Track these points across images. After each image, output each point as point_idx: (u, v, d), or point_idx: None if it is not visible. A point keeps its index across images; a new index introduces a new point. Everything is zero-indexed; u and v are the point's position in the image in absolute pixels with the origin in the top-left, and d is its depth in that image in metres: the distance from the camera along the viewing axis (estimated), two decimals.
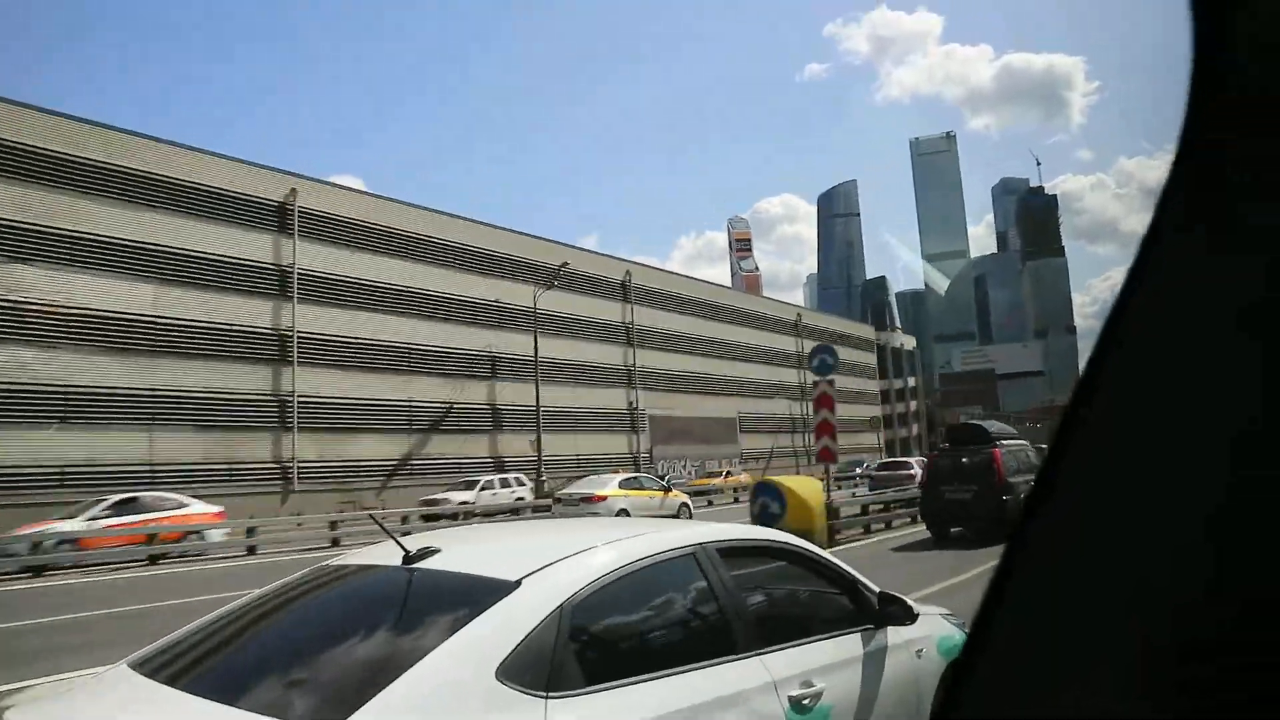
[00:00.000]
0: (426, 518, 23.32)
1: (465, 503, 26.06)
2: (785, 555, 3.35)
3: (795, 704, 2.65)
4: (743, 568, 3.03)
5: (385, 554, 2.77)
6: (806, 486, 14.42)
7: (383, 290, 32.94)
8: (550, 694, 2.11)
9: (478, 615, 2.20)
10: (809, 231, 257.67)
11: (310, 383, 30.04)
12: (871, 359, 74.77)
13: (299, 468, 29.39)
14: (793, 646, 2.86)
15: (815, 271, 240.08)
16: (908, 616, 3.39)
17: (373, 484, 31.22)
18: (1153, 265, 0.65)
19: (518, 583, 2.33)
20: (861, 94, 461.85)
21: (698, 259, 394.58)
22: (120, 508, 17.57)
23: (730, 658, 2.61)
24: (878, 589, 3.43)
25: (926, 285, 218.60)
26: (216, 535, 18.31)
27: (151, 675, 2.30)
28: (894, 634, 3.33)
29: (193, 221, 27.34)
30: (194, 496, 25.18)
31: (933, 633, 3.62)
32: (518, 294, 37.02)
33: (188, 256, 27.12)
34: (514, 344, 36.68)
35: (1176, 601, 0.60)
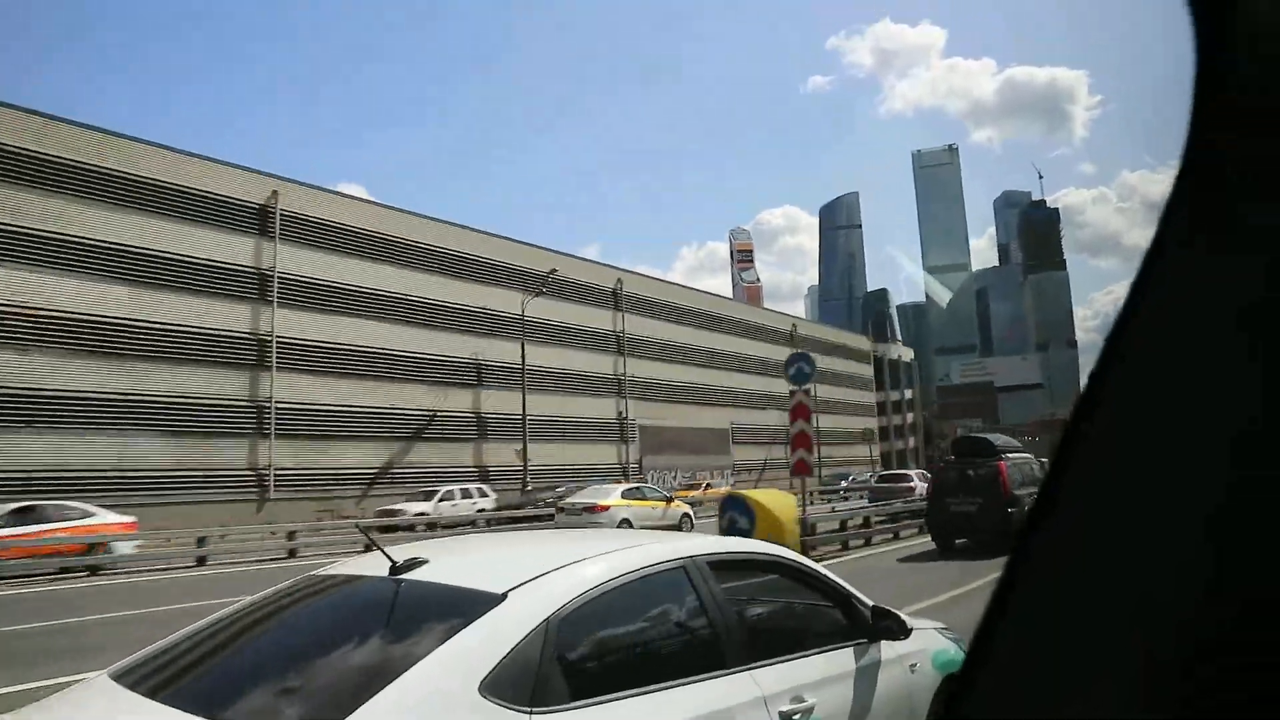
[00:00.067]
0: (383, 529, 22.16)
1: (422, 514, 25.11)
2: (777, 568, 3.31)
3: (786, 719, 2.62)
4: (734, 581, 2.98)
5: (372, 564, 2.70)
6: (778, 500, 13.81)
7: (366, 295, 32.45)
8: (535, 709, 2.07)
9: (462, 629, 2.15)
10: (811, 243, 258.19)
11: (289, 388, 29.52)
12: (868, 370, 74.14)
13: (276, 475, 28.83)
14: (784, 661, 2.81)
15: (817, 283, 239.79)
16: (901, 631, 3.34)
17: (353, 493, 30.63)
18: (1156, 279, 0.66)
19: (504, 595, 2.28)
20: (865, 106, 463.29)
21: (700, 270, 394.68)
22: (16, 517, 15.94)
23: (720, 673, 2.56)
24: (871, 603, 3.38)
25: (928, 297, 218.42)
26: (126, 547, 16.71)
27: (133, 687, 2.25)
28: (887, 648, 3.27)
29: (170, 223, 26.89)
30: (164, 504, 24.84)
31: (927, 647, 3.57)
32: (505, 300, 36.53)
33: (164, 259, 26.64)
34: (501, 351, 36.16)
35: (1179, 614, 0.61)
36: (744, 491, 14.47)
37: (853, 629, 3.25)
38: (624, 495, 21.77)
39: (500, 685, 2.04)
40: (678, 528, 19.87)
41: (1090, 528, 0.67)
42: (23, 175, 23.74)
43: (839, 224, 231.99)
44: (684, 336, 49.17)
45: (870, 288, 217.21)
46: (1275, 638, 0.56)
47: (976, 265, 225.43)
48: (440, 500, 26.50)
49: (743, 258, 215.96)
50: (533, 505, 28.24)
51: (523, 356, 33.96)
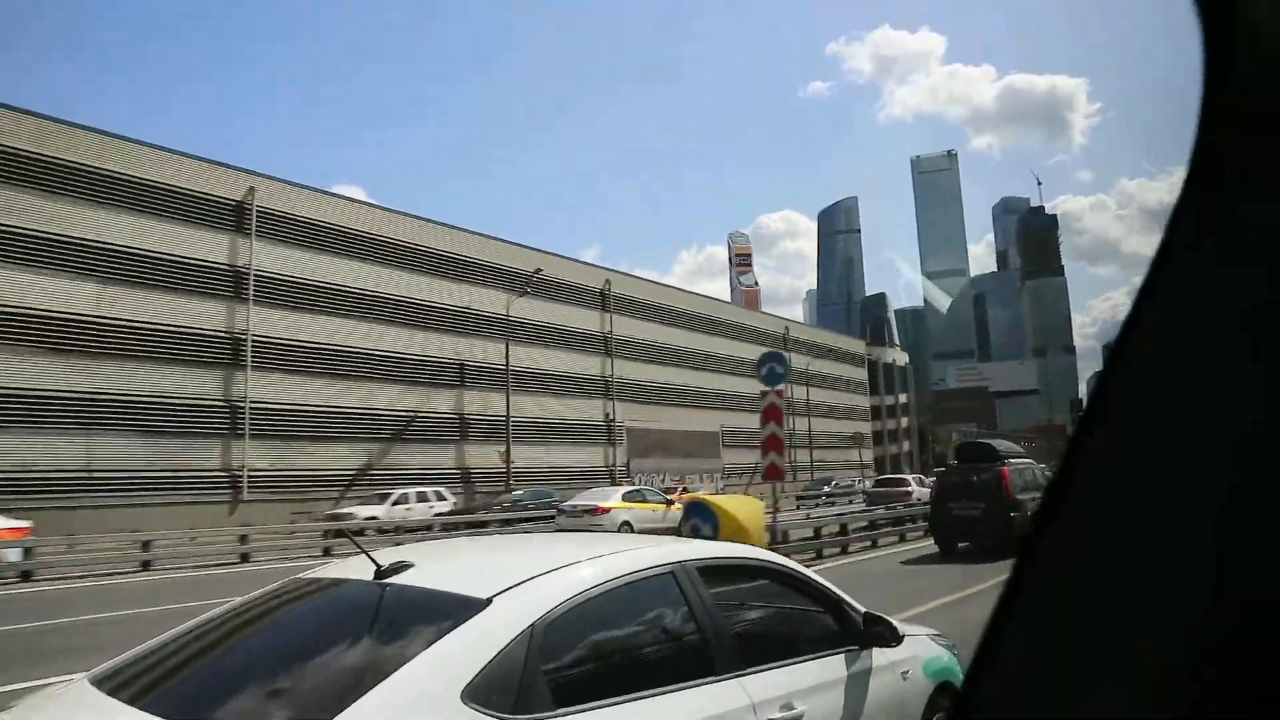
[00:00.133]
0: (338, 534, 20.67)
1: (373, 518, 24.01)
2: (768, 574, 3.28)
3: None
4: (724, 586, 2.94)
5: (357, 568, 2.63)
6: (744, 507, 13.28)
7: (345, 293, 31.91)
8: (518, 716, 2.04)
9: (445, 634, 2.12)
10: (809, 247, 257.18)
11: (264, 388, 28.97)
12: (861, 374, 73.59)
13: (250, 477, 28.27)
14: (774, 668, 2.77)
15: (815, 287, 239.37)
16: (893, 638, 3.27)
17: (330, 495, 29.99)
18: (1163, 284, 0.67)
19: (488, 601, 2.25)
20: (864, 112, 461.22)
21: (698, 273, 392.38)
22: None
23: (708, 679, 2.52)
24: (863, 609, 3.33)
25: (926, 302, 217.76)
26: (12, 555, 15.73)
27: (112, 693, 2.20)
28: (879, 655, 3.23)
29: (142, 219, 26.34)
30: (134, 505, 24.24)
31: (919, 654, 3.54)
32: (489, 300, 36.00)
33: (135, 255, 26.10)
34: (484, 352, 35.64)
35: (1186, 617, 0.61)
36: (708, 497, 13.95)
37: (844, 635, 3.21)
38: (625, 498, 21.72)
39: (483, 692, 2.01)
40: (678, 531, 19.51)
41: (1097, 530, 0.67)
42: None
43: (838, 229, 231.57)
44: (674, 338, 48.64)
45: (869, 292, 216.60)
46: (1275, 640, 0.56)
47: (975, 271, 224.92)
48: (394, 504, 25.45)
49: (741, 262, 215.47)
50: (485, 510, 27.70)
51: (507, 357, 33.44)
